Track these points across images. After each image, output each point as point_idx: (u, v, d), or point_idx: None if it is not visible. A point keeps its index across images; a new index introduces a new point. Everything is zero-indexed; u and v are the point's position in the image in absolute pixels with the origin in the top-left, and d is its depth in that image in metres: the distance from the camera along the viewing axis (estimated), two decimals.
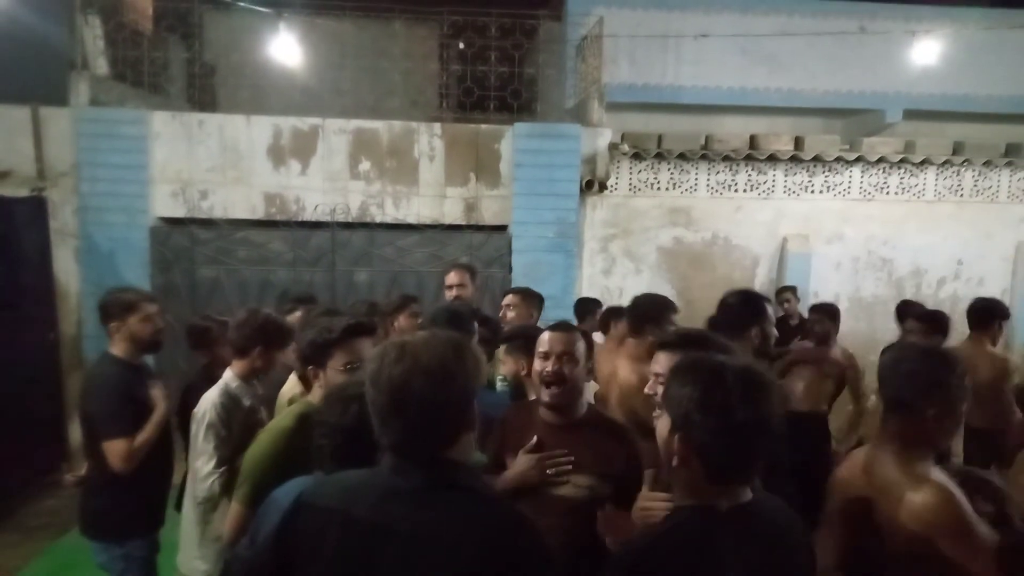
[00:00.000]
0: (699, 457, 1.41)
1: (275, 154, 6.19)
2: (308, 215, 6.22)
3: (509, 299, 4.25)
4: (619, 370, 3.28)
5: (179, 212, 6.14)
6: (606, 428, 2.39)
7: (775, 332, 2.86)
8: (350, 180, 6.26)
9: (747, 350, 2.65)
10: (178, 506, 3.21)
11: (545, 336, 2.37)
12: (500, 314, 4.23)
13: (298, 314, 4.20)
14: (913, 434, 1.89)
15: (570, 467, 2.26)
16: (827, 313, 4.65)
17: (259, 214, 6.21)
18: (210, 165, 6.13)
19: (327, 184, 6.23)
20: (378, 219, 6.32)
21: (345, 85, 7.47)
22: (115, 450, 2.85)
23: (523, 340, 2.82)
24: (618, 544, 1.63)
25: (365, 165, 6.28)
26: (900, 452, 1.89)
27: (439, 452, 1.37)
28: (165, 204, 6.12)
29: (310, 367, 2.33)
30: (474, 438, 1.46)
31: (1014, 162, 6.86)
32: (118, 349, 3.05)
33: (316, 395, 2.32)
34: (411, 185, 6.34)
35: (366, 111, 6.95)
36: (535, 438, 2.31)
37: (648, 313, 3.34)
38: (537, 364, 2.34)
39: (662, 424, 1.50)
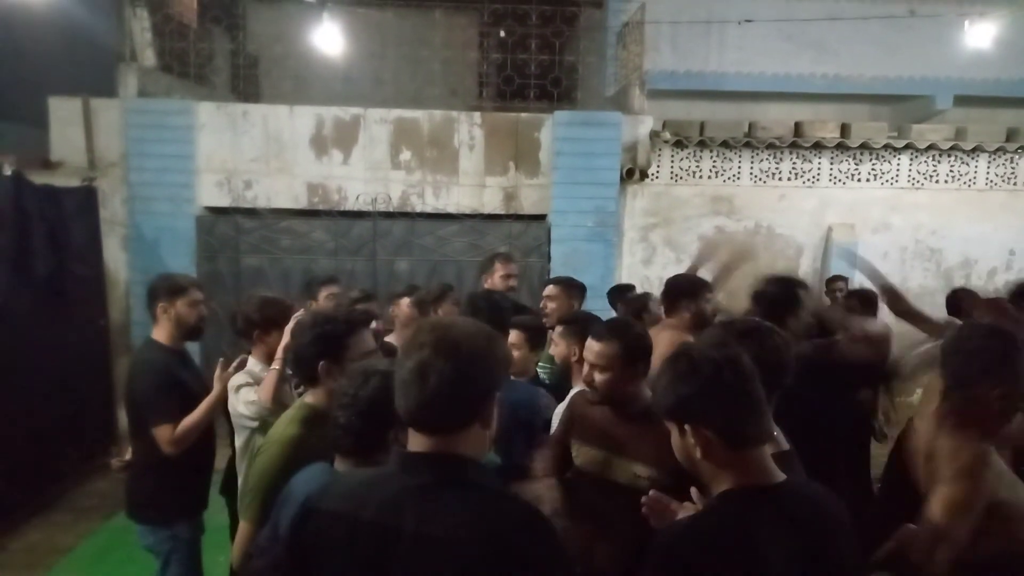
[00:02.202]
0: (712, 429, 1.45)
1: (317, 144, 6.25)
2: (350, 205, 6.28)
3: (550, 290, 4.22)
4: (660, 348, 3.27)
5: (224, 201, 6.25)
6: (646, 412, 2.37)
7: (808, 319, 2.85)
8: (391, 170, 6.31)
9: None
10: (223, 490, 3.28)
11: (589, 343, 2.40)
12: (541, 305, 4.22)
13: (333, 290, 4.28)
14: (975, 415, 1.86)
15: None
16: (859, 299, 4.58)
17: (302, 204, 6.29)
18: (254, 155, 6.22)
19: (368, 174, 6.28)
20: (418, 209, 6.35)
21: (386, 75, 7.50)
22: (162, 435, 2.91)
23: (578, 325, 2.82)
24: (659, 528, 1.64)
25: (406, 155, 6.31)
26: (959, 434, 1.87)
27: (449, 436, 1.37)
28: (210, 194, 6.23)
29: (322, 363, 2.22)
30: (489, 437, 1.46)
31: None
32: (161, 334, 3.11)
33: (319, 395, 2.23)
34: (451, 175, 6.36)
35: (407, 101, 6.98)
36: None
37: (684, 290, 3.37)
38: (585, 366, 2.40)
39: (674, 437, 1.55)
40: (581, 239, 6.40)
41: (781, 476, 1.49)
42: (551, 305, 4.11)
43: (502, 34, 7.18)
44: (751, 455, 1.47)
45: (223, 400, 2.99)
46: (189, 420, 2.95)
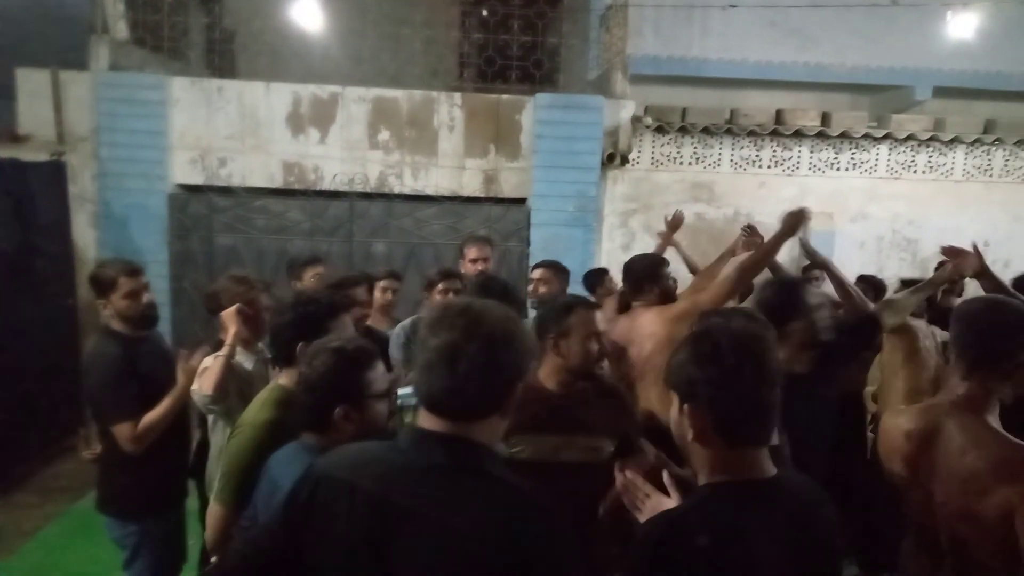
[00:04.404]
0: (710, 420, 1.41)
1: (294, 122, 6.14)
2: (326, 184, 6.18)
3: (540, 273, 4.22)
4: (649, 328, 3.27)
5: (197, 179, 6.12)
6: (603, 390, 2.55)
7: (825, 318, 2.79)
8: (369, 150, 6.21)
9: (792, 345, 2.62)
10: (191, 473, 3.21)
11: (596, 314, 2.51)
12: (531, 288, 4.21)
13: (319, 270, 4.21)
14: (995, 389, 1.89)
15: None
16: (871, 285, 4.62)
17: (277, 183, 6.18)
18: (229, 132, 6.09)
19: (346, 153, 6.18)
20: (396, 190, 6.27)
21: (365, 53, 7.38)
22: (120, 434, 2.76)
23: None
24: (642, 519, 1.61)
25: (384, 135, 6.22)
26: (982, 410, 1.88)
27: (469, 423, 1.33)
28: (184, 171, 6.10)
29: (300, 344, 2.22)
30: (503, 427, 1.41)
31: None
32: (116, 323, 2.94)
33: (294, 377, 2.16)
34: (430, 156, 6.28)
35: (386, 80, 6.87)
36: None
37: (644, 272, 3.44)
38: (590, 343, 2.45)
39: (673, 408, 1.51)
40: (561, 224, 6.36)
41: (772, 470, 1.45)
42: (542, 288, 4.11)
43: (484, 14, 7.07)
44: (743, 452, 1.44)
45: (188, 390, 2.90)
46: (151, 416, 2.79)
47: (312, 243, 6.11)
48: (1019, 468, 1.75)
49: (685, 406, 1.45)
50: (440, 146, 6.28)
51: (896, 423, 2.08)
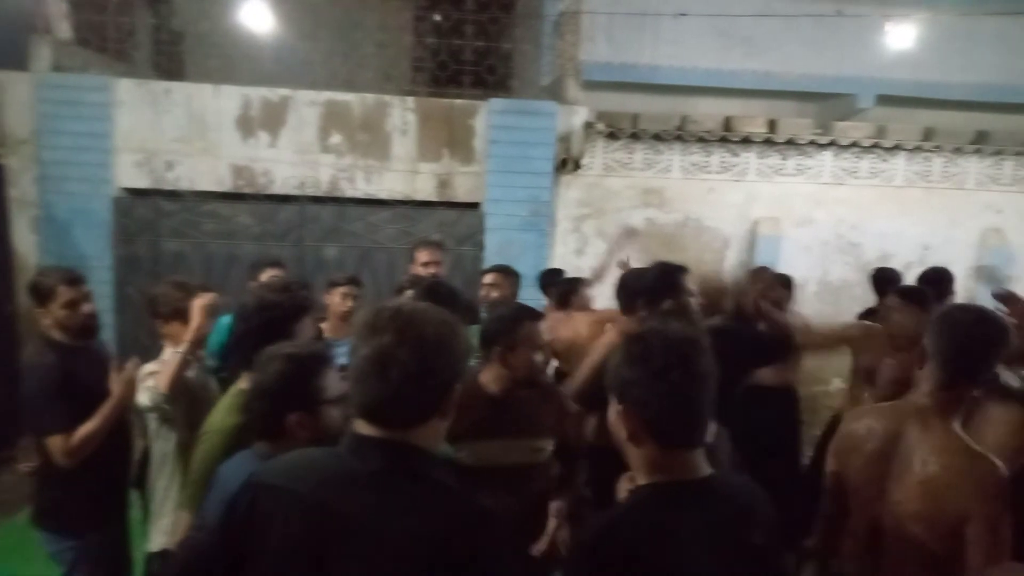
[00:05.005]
0: (643, 423, 1.43)
1: (244, 125, 6.06)
2: (277, 188, 6.11)
3: (492, 278, 4.23)
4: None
5: (143, 183, 6.00)
6: (543, 391, 2.63)
7: (693, 304, 2.96)
8: (320, 153, 6.16)
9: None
10: (134, 483, 3.15)
11: (541, 326, 2.57)
12: (483, 293, 4.22)
13: (276, 272, 4.15)
14: (967, 398, 1.94)
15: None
16: (780, 281, 4.74)
17: (226, 186, 6.08)
18: (176, 135, 5.98)
19: (297, 157, 6.12)
20: (348, 194, 6.22)
21: (317, 56, 7.31)
22: (53, 446, 2.68)
23: None
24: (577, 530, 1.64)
25: (336, 138, 6.17)
26: (950, 416, 1.93)
27: (407, 430, 1.31)
28: (129, 174, 5.97)
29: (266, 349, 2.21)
30: (444, 428, 1.41)
31: (982, 149, 6.94)
32: (55, 332, 2.86)
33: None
34: (383, 160, 6.25)
35: (338, 83, 6.81)
36: None
37: (642, 290, 3.40)
38: (536, 355, 2.51)
39: (610, 409, 1.52)
40: (515, 228, 6.38)
41: (706, 471, 1.47)
42: (494, 293, 4.12)
43: (437, 19, 7.07)
44: (676, 452, 1.45)
45: (127, 399, 2.84)
46: (86, 428, 2.71)
47: (262, 248, 6.02)
48: (979, 477, 1.80)
49: (619, 407, 1.47)
50: (393, 150, 6.26)
51: (860, 422, 2.11)
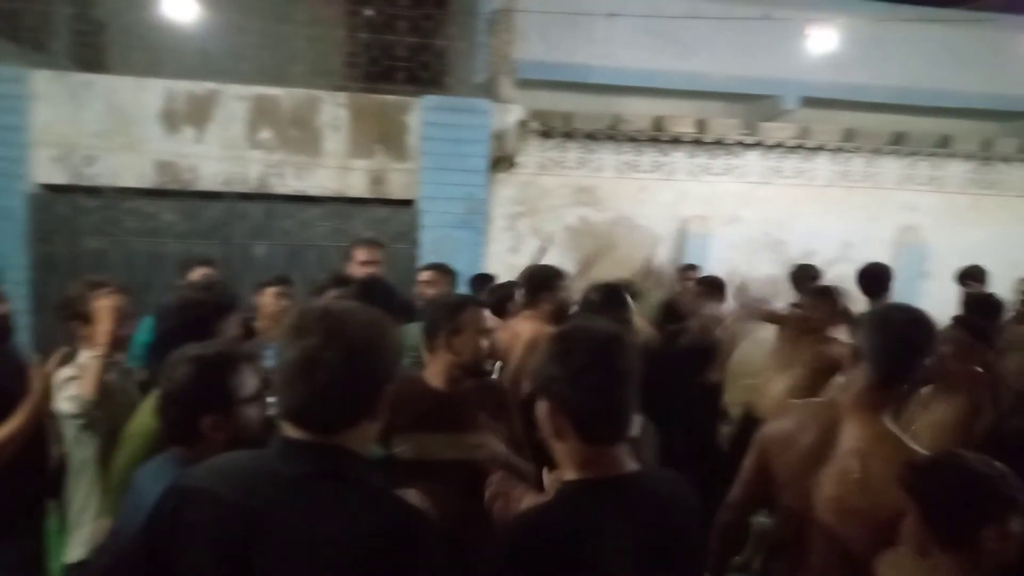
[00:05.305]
0: (566, 419, 1.44)
1: (168, 119, 5.89)
2: (203, 185, 5.96)
3: (428, 275, 4.21)
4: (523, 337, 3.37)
5: (62, 179, 5.77)
6: (487, 388, 2.62)
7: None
8: (249, 149, 6.03)
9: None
10: (50, 493, 3.03)
11: (485, 312, 2.59)
12: (419, 291, 4.19)
13: (206, 271, 4.03)
14: (899, 395, 2.00)
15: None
16: (708, 284, 4.88)
17: (150, 183, 5.90)
18: (97, 129, 5.77)
19: (224, 152, 5.98)
20: (278, 190, 6.11)
21: (246, 50, 7.14)
22: None
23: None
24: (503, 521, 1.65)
25: (265, 134, 6.05)
26: (883, 412, 1.97)
27: (335, 433, 1.28)
28: (46, 170, 5.74)
29: None
30: (375, 430, 1.38)
31: (899, 150, 7.25)
32: None
33: None
34: (314, 156, 6.16)
35: (268, 78, 6.68)
36: None
37: (544, 282, 3.53)
38: (481, 340, 2.51)
39: (538, 406, 1.52)
40: (450, 226, 6.37)
41: (631, 466, 1.48)
42: (429, 291, 4.09)
43: (369, 13, 6.99)
44: (600, 448, 1.46)
45: (44, 404, 2.73)
46: (2, 433, 2.54)
47: (187, 246, 5.84)
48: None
49: (546, 404, 1.47)
50: (324, 146, 6.17)
51: (792, 417, 2.14)
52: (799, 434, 2.05)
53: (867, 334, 2.01)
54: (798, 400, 2.74)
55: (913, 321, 1.99)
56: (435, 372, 2.52)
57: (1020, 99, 8.67)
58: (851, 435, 1.95)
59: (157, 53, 6.90)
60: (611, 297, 3.06)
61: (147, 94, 5.85)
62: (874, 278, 4.53)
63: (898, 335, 1.96)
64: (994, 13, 8.57)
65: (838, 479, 1.93)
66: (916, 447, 1.92)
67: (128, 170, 5.84)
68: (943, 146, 7.39)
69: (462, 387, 2.52)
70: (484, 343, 2.53)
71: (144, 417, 2.16)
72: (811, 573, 1.99)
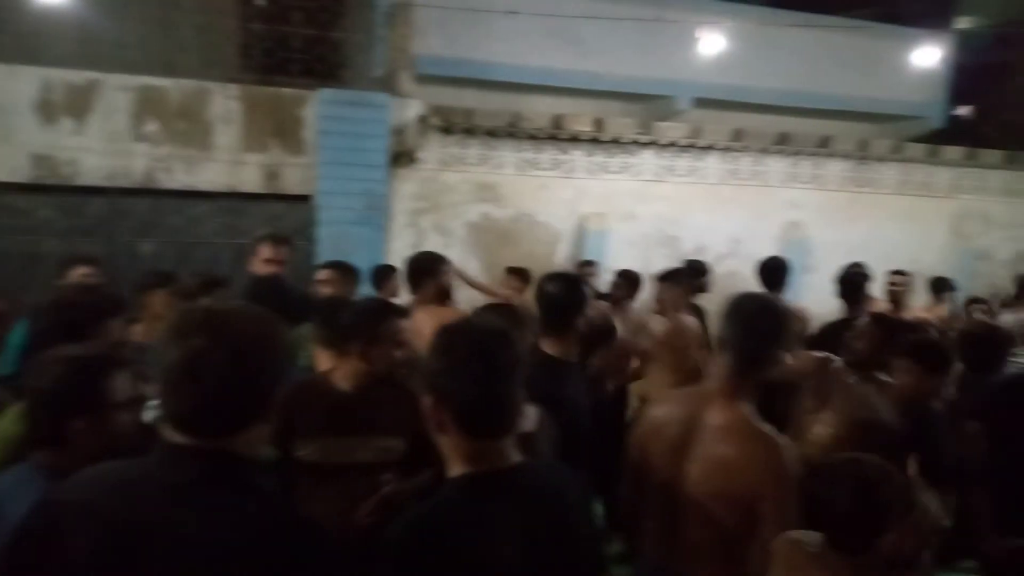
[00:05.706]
0: (448, 413, 1.44)
1: (44, 110, 5.55)
2: (84, 179, 5.64)
3: (326, 274, 4.14)
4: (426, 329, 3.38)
5: None
6: (396, 389, 2.51)
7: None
8: (133, 142, 5.75)
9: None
10: None
11: (404, 323, 2.56)
12: (314, 289, 4.11)
13: (85, 270, 3.83)
14: (756, 382, 2.07)
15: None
16: (626, 278, 5.08)
17: (24, 177, 5.54)
18: None
19: (106, 146, 5.68)
20: (165, 185, 5.85)
21: (130, 38, 6.81)
22: None
23: None
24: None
25: (151, 126, 5.79)
26: (742, 399, 2.05)
27: (224, 437, 1.23)
28: None
29: None
30: (266, 432, 1.34)
31: (784, 150, 7.63)
32: None
33: None
34: (204, 149, 5.94)
35: (155, 68, 6.39)
36: None
37: (423, 268, 3.64)
38: (397, 351, 2.48)
39: (424, 401, 1.52)
40: (349, 222, 6.27)
41: (516, 459, 1.49)
42: (328, 290, 4.02)
43: (262, 3, 6.79)
44: (483, 443, 1.47)
45: None
46: None
47: (68, 244, 5.52)
48: (766, 457, 1.97)
49: (428, 398, 1.47)
50: (215, 139, 5.96)
51: (662, 408, 2.24)
52: (666, 425, 2.15)
53: (724, 324, 2.10)
54: (676, 390, 2.84)
55: (762, 309, 2.09)
56: (343, 374, 2.48)
57: (893, 102, 9.30)
58: (712, 424, 2.06)
59: (31, 39, 6.48)
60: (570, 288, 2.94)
61: (20, 83, 5.49)
62: (772, 271, 4.77)
63: (749, 324, 2.05)
64: (870, 21, 9.12)
65: (700, 466, 2.04)
66: (773, 435, 2.03)
67: (0, 164, 5.48)
68: (824, 146, 7.84)
69: (371, 390, 2.46)
70: (400, 354, 2.49)
71: (10, 422, 2.05)
72: (687, 552, 2.09)
